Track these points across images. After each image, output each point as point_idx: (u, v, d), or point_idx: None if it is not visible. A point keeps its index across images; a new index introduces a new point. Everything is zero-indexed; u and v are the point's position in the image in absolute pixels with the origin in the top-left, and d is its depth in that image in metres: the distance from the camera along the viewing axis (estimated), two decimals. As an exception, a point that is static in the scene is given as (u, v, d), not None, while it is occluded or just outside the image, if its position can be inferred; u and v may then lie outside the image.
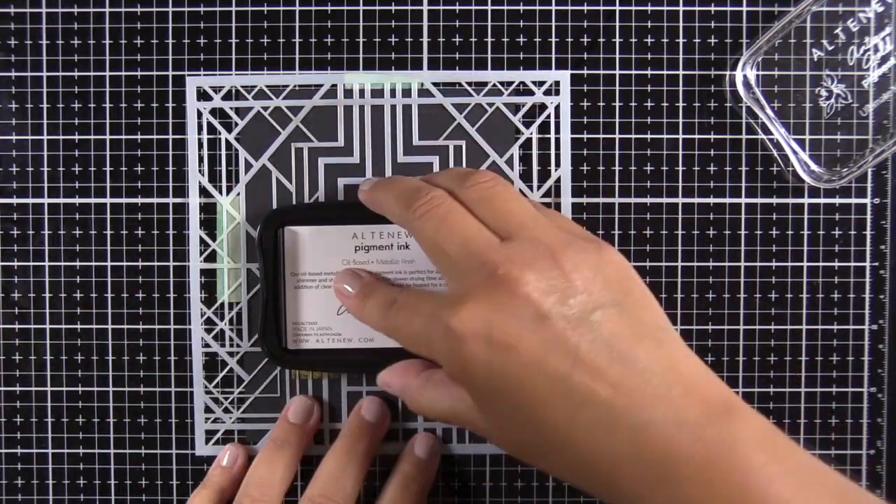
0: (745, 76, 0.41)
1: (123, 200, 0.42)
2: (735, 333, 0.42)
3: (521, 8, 0.41)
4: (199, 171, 0.42)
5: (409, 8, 0.42)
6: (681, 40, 0.42)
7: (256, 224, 0.41)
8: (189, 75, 0.42)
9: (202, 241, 0.42)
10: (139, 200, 0.42)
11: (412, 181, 0.36)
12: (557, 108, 0.41)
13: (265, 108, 0.41)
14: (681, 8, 0.41)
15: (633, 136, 0.42)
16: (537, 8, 0.41)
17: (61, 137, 0.42)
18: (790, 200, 0.42)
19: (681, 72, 0.42)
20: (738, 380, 0.42)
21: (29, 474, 0.42)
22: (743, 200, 0.42)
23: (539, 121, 0.41)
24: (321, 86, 0.41)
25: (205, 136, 0.42)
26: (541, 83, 0.41)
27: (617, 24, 0.42)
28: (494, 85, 0.41)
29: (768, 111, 0.41)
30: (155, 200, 0.42)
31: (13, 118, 0.42)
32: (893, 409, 0.42)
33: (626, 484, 0.29)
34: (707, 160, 0.42)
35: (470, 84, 0.41)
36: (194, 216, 0.42)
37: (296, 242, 0.40)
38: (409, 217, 0.34)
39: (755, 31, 0.41)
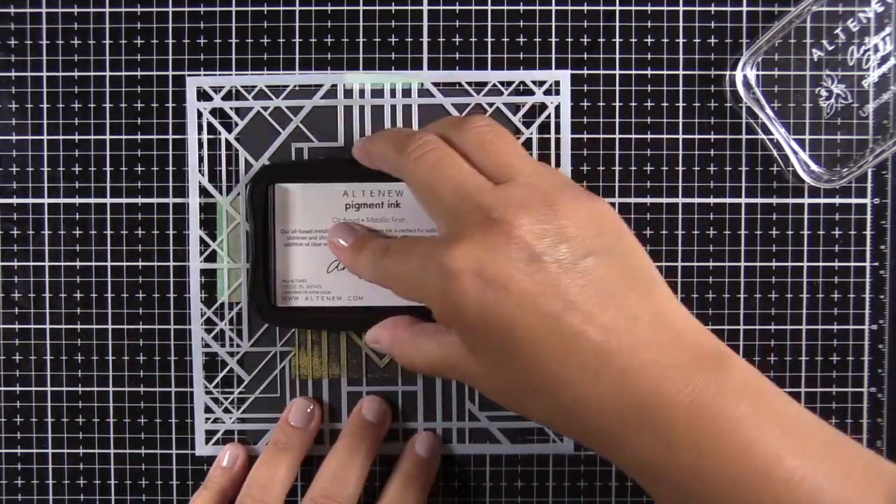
0: (745, 76, 0.41)
1: (123, 200, 0.42)
2: (735, 333, 0.42)
3: (521, 8, 0.41)
4: (200, 171, 0.42)
5: (409, 8, 0.42)
6: (681, 40, 0.42)
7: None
8: (189, 75, 0.42)
9: (202, 241, 0.42)
10: (139, 200, 0.42)
11: (402, 129, 0.37)
12: (557, 108, 0.41)
13: (265, 108, 0.41)
14: (681, 8, 0.41)
15: (633, 136, 0.42)
16: (537, 8, 0.41)
17: (61, 137, 0.42)
18: (790, 200, 0.42)
19: (681, 72, 0.42)
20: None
21: (29, 474, 0.42)
22: (743, 200, 0.42)
23: (539, 121, 0.41)
24: (321, 86, 0.41)
25: (205, 136, 0.42)
26: (541, 83, 0.41)
27: (617, 24, 0.42)
28: (494, 85, 0.41)
29: (768, 111, 0.41)
30: (155, 200, 0.42)
31: (13, 118, 0.42)
32: (893, 409, 0.42)
33: (613, 428, 0.29)
34: (707, 160, 0.42)
35: (470, 84, 0.41)
36: (194, 216, 0.42)
37: (286, 199, 0.40)
38: (402, 162, 0.34)
39: (755, 31, 0.41)
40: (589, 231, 0.30)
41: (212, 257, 0.42)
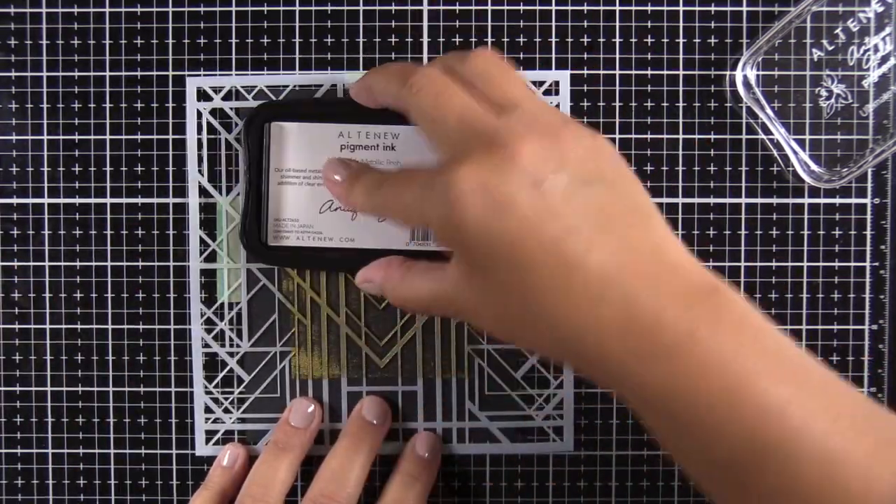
0: (745, 76, 0.41)
1: (123, 200, 0.42)
2: (735, 333, 0.42)
3: (521, 8, 0.41)
4: (199, 171, 0.42)
5: (409, 8, 0.42)
6: (681, 40, 0.42)
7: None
8: (189, 75, 0.42)
9: (202, 241, 0.42)
10: (139, 200, 0.42)
11: (405, 63, 0.36)
12: (557, 107, 0.41)
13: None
14: (681, 8, 0.41)
15: (633, 136, 0.42)
16: (537, 8, 0.41)
17: (61, 137, 0.42)
18: (790, 200, 0.42)
19: (681, 72, 0.42)
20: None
21: (29, 474, 0.42)
22: (743, 200, 0.42)
23: (539, 121, 0.41)
24: (321, 86, 0.41)
25: (204, 137, 0.42)
26: (540, 83, 0.41)
27: (617, 24, 0.42)
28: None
29: (768, 111, 0.41)
30: (155, 200, 0.42)
31: (13, 118, 0.42)
32: (893, 410, 0.42)
33: (612, 357, 0.29)
34: (707, 160, 0.42)
35: (470, 84, 0.41)
36: (194, 216, 0.42)
37: (282, 138, 0.40)
38: (405, 94, 0.34)
39: (755, 31, 0.41)
40: (590, 162, 0.30)
41: (212, 257, 0.42)
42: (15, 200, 0.42)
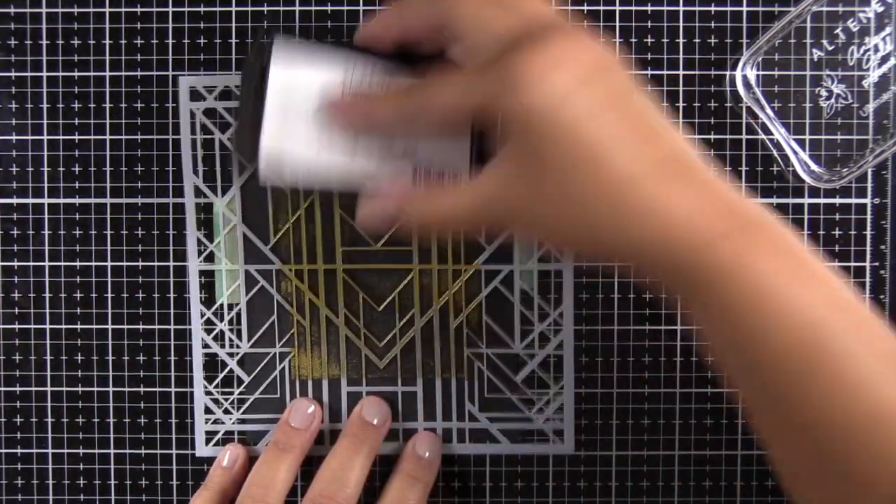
0: (745, 76, 0.41)
1: (123, 200, 0.42)
2: (735, 333, 0.42)
3: (521, 8, 0.41)
4: (195, 171, 0.41)
5: (409, 8, 0.42)
6: (681, 40, 0.42)
7: (253, 226, 0.41)
8: (182, 75, 0.41)
9: (200, 241, 0.42)
10: (139, 200, 0.42)
11: None
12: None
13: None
14: (681, 8, 0.41)
15: (633, 136, 0.42)
16: (537, 8, 0.41)
17: (61, 137, 0.42)
18: (790, 200, 0.42)
19: (681, 72, 0.42)
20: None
21: (29, 474, 0.42)
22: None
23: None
24: (321, 86, 0.41)
25: (199, 137, 0.41)
26: (541, 83, 0.41)
27: (617, 24, 0.41)
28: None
29: (768, 111, 0.41)
30: (155, 200, 0.42)
31: (13, 118, 0.42)
32: (893, 410, 0.42)
33: (679, 241, 0.29)
34: (707, 160, 0.42)
35: (470, 84, 0.41)
36: (190, 217, 0.42)
37: (285, 64, 0.35)
38: (445, 6, 0.32)
39: (755, 31, 0.41)
40: (627, 83, 0.31)
41: (211, 258, 0.42)
42: (15, 200, 0.42)
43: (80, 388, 0.42)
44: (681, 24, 0.42)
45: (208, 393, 0.42)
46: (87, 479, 0.42)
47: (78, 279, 0.42)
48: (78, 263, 0.42)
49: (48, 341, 0.42)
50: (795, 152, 0.41)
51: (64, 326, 0.42)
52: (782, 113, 0.41)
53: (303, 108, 0.35)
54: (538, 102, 0.29)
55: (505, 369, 0.42)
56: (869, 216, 0.42)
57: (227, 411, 0.42)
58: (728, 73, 0.41)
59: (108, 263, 0.42)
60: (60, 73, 0.42)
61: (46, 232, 0.42)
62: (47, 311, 0.42)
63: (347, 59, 0.35)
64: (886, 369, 0.28)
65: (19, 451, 0.42)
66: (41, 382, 0.42)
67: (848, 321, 0.28)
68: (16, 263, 0.42)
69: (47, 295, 0.42)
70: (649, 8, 0.41)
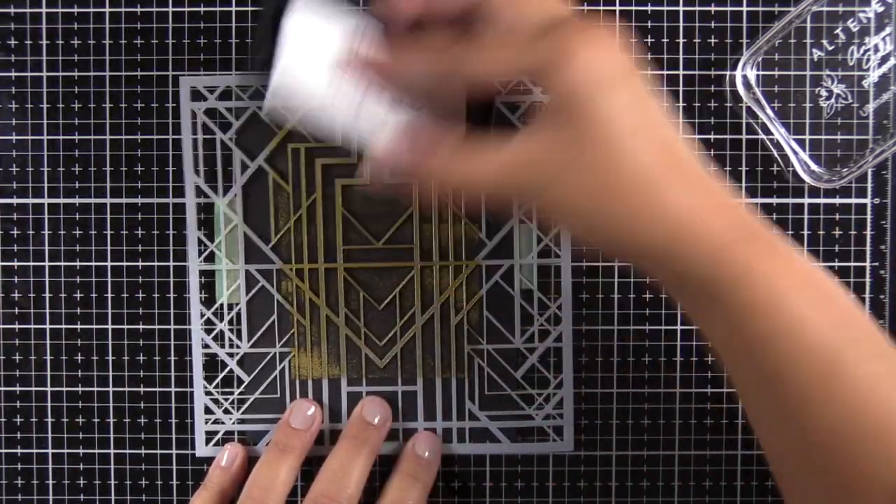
0: (745, 76, 0.41)
1: (123, 200, 0.42)
2: (735, 333, 0.42)
3: (521, 8, 0.41)
4: (196, 171, 0.42)
5: (409, 8, 0.41)
6: (681, 40, 0.42)
7: (255, 225, 0.41)
8: (183, 75, 0.41)
9: (200, 241, 0.42)
10: (139, 200, 0.42)
11: None
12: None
13: (261, 108, 0.41)
14: (681, 8, 0.41)
15: (632, 136, 0.42)
16: (537, 8, 0.41)
17: (61, 137, 0.42)
18: (790, 200, 0.42)
19: (681, 72, 0.42)
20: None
21: (29, 474, 0.42)
22: (743, 200, 0.42)
23: (539, 121, 0.41)
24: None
25: (200, 137, 0.41)
26: (540, 83, 0.41)
27: (617, 24, 0.41)
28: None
29: (768, 111, 0.41)
30: (155, 200, 0.42)
31: (13, 118, 0.42)
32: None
33: (703, 229, 0.30)
34: (707, 160, 0.42)
35: (469, 84, 0.41)
36: (191, 217, 0.42)
37: (301, 15, 0.34)
38: None
39: (755, 31, 0.41)
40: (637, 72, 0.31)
41: (211, 258, 0.42)
42: (15, 200, 0.42)
43: (80, 388, 0.42)
44: (681, 24, 0.42)
45: (208, 393, 0.42)
46: (87, 479, 0.42)
47: (78, 279, 0.42)
48: (78, 263, 0.42)
49: (48, 341, 0.42)
50: (795, 152, 0.41)
51: (64, 326, 0.42)
52: (782, 113, 0.41)
53: (319, 50, 0.34)
54: (589, 83, 0.29)
55: (505, 365, 0.42)
56: (869, 216, 0.42)
57: (227, 411, 0.42)
58: (728, 73, 0.41)
59: (108, 263, 0.42)
60: (60, 73, 0.42)
61: (46, 232, 0.42)
62: (47, 311, 0.42)
63: (365, 20, 0.34)
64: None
65: (19, 451, 0.42)
66: (41, 382, 0.42)
67: (856, 333, 0.29)
68: (16, 263, 0.42)
69: (47, 295, 0.42)
70: (649, 8, 0.41)
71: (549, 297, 0.42)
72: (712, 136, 0.42)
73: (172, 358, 0.42)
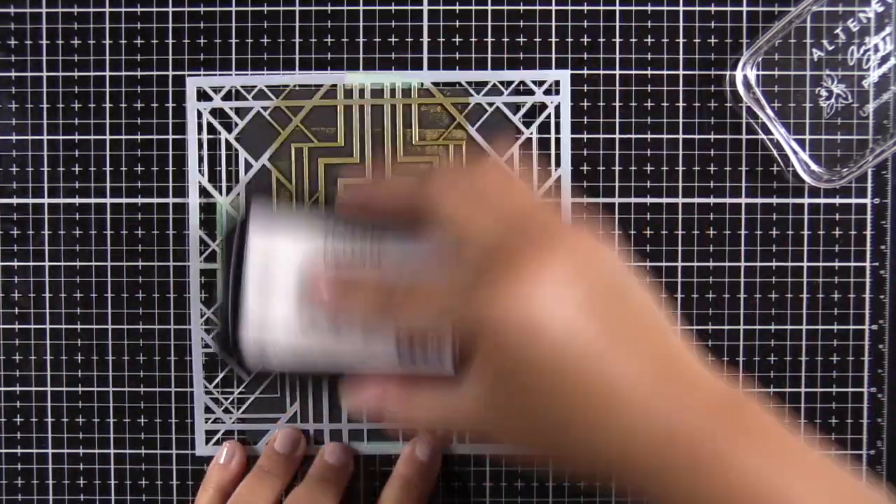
0: (745, 76, 0.41)
1: (123, 200, 0.42)
2: (735, 333, 0.42)
3: (521, 8, 0.41)
4: (199, 171, 0.42)
5: (409, 8, 0.42)
6: (681, 40, 0.42)
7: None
8: (189, 75, 0.42)
9: (202, 241, 0.42)
10: (139, 200, 0.42)
11: (407, 179, 0.36)
12: (557, 107, 0.41)
13: (265, 109, 0.41)
14: (681, 8, 0.41)
15: (633, 136, 0.42)
16: (537, 8, 0.41)
17: (61, 137, 0.42)
18: (790, 200, 0.42)
19: (681, 72, 0.42)
20: (739, 380, 0.42)
21: (29, 474, 0.42)
22: (743, 200, 0.42)
23: (539, 120, 0.41)
24: (321, 86, 0.41)
25: (205, 137, 0.42)
26: (541, 83, 0.41)
27: (617, 24, 0.42)
28: (494, 85, 0.41)
29: (768, 111, 0.41)
30: (155, 200, 0.42)
31: (13, 118, 0.42)
32: (893, 409, 0.42)
33: (644, 469, 0.29)
34: (707, 160, 0.42)
35: (470, 84, 0.41)
36: (194, 216, 0.42)
37: (263, 250, 0.36)
38: (430, 190, 0.33)
39: (755, 31, 0.41)
40: (607, 274, 0.30)
41: (211, 257, 0.42)
42: (15, 200, 0.42)
43: (80, 388, 0.42)
44: (681, 24, 0.42)
45: (208, 392, 0.42)
46: (87, 479, 0.42)
47: (78, 279, 0.42)
48: (78, 263, 0.42)
49: (48, 341, 0.42)
50: (795, 152, 0.41)
51: (64, 326, 0.42)
52: (782, 113, 0.41)
53: (284, 287, 0.35)
54: (511, 334, 0.29)
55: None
56: (869, 216, 0.42)
57: (227, 410, 0.42)
58: (728, 73, 0.41)
59: (108, 263, 0.42)
60: (60, 73, 0.42)
61: (46, 232, 0.42)
62: (47, 311, 0.42)
63: (326, 227, 0.36)
64: None
65: (19, 451, 0.42)
66: (41, 382, 0.42)
67: None
68: (16, 263, 0.42)
69: (47, 295, 0.42)
70: (649, 8, 0.41)
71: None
72: (712, 136, 0.42)
73: (172, 358, 0.42)
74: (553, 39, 0.42)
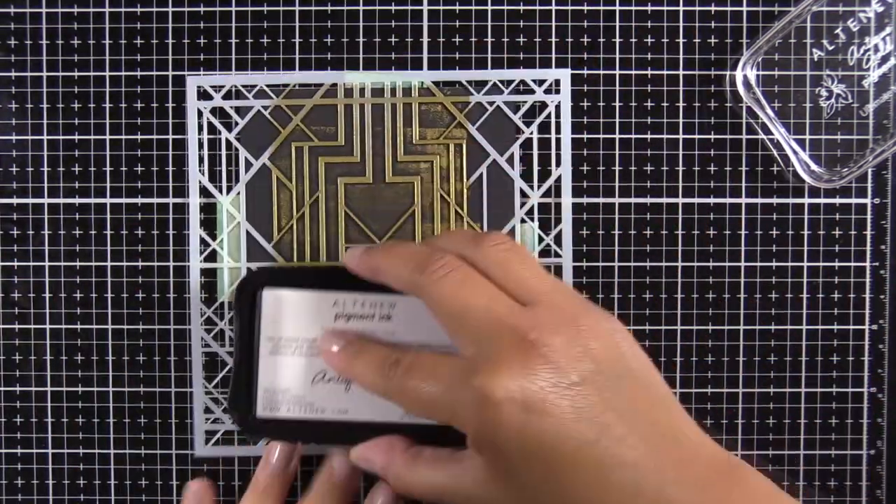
0: (745, 76, 0.41)
1: (123, 200, 0.42)
2: (735, 333, 0.42)
3: (521, 8, 0.41)
4: (200, 170, 0.42)
5: (409, 8, 0.42)
6: (681, 40, 0.42)
7: (257, 223, 0.41)
8: (189, 75, 0.42)
9: (202, 240, 0.42)
10: (139, 200, 0.42)
11: (416, 245, 0.36)
12: (558, 107, 0.42)
13: (265, 108, 0.42)
14: (681, 8, 0.42)
15: (633, 136, 0.42)
16: (537, 8, 0.41)
17: (61, 137, 0.42)
18: (790, 200, 0.42)
19: (681, 72, 0.42)
20: (739, 380, 0.42)
21: (29, 474, 0.42)
22: (743, 200, 0.42)
23: (539, 119, 0.41)
24: (321, 85, 0.41)
25: (205, 136, 0.42)
26: (541, 82, 0.41)
27: (617, 23, 0.42)
28: (495, 84, 0.41)
29: (768, 111, 0.41)
30: (155, 200, 0.42)
31: (13, 118, 0.42)
32: (893, 409, 0.42)
33: None
34: (707, 160, 0.42)
35: (470, 83, 0.42)
36: (194, 216, 0.42)
37: (274, 306, 0.38)
38: (421, 281, 0.33)
39: (755, 31, 0.42)
40: (614, 352, 0.31)
41: (211, 257, 0.42)
42: (15, 200, 0.42)
43: (80, 388, 0.42)
44: (681, 24, 0.42)
45: (208, 393, 0.42)
46: (87, 479, 0.42)
47: (78, 279, 0.42)
48: (78, 263, 0.42)
49: (48, 341, 0.42)
50: (795, 152, 0.41)
51: (64, 326, 0.42)
52: (782, 113, 0.41)
53: (296, 346, 0.38)
54: (501, 429, 0.30)
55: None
56: (869, 216, 0.42)
57: (226, 411, 0.42)
58: (728, 73, 0.41)
59: (108, 263, 0.42)
60: (60, 73, 0.42)
61: (46, 232, 0.42)
62: (47, 311, 0.42)
63: (338, 289, 0.38)
64: None
65: (19, 451, 0.42)
66: (41, 382, 0.42)
67: None
68: (16, 263, 0.42)
69: (47, 295, 0.42)
70: (649, 8, 0.42)
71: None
72: (712, 136, 0.42)
73: (172, 358, 0.42)
74: (553, 39, 0.42)
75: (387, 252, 0.36)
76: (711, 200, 0.42)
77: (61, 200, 0.42)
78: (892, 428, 0.42)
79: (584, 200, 0.42)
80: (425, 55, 0.42)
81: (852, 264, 0.42)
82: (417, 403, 0.33)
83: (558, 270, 0.42)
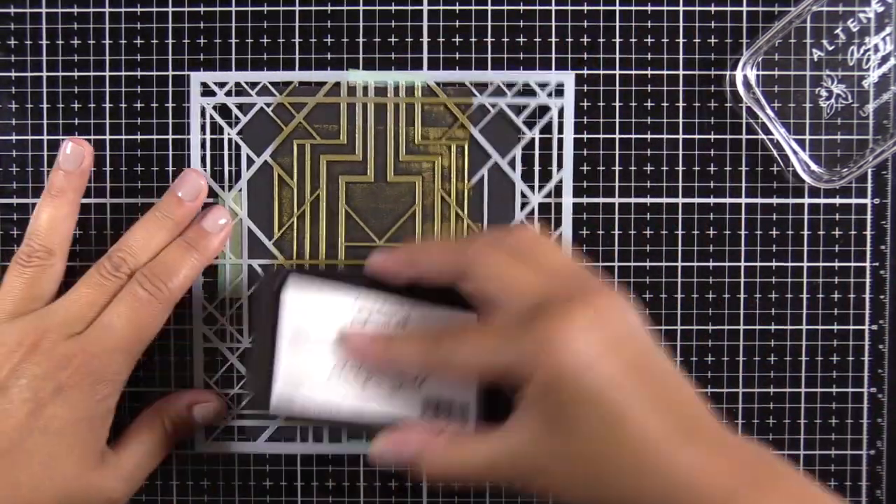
0: (745, 76, 0.41)
1: (123, 200, 0.42)
2: (735, 333, 0.42)
3: (521, 8, 0.42)
4: (202, 167, 0.42)
5: (409, 8, 0.42)
6: (681, 40, 0.42)
7: (258, 220, 0.41)
8: (193, 72, 0.42)
9: (203, 239, 0.42)
10: (139, 200, 0.42)
11: (452, 241, 0.38)
12: (561, 109, 0.42)
13: (268, 105, 0.42)
14: (681, 8, 0.42)
15: (633, 136, 0.42)
16: (537, 8, 0.42)
17: (61, 137, 0.42)
18: (790, 200, 0.42)
19: (681, 72, 0.42)
20: (739, 380, 0.42)
21: (28, 474, 0.42)
22: (743, 200, 0.42)
23: (542, 123, 0.42)
24: (324, 83, 0.41)
25: (207, 134, 0.42)
26: (544, 85, 0.41)
27: (617, 24, 0.42)
28: (497, 86, 0.41)
29: (768, 111, 0.41)
30: (155, 200, 0.42)
31: (13, 118, 0.42)
32: (893, 409, 0.42)
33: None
34: (707, 160, 0.42)
35: (473, 84, 0.42)
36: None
37: (296, 305, 0.38)
38: (464, 262, 0.34)
39: (755, 31, 0.42)
40: (645, 335, 0.33)
41: (212, 256, 0.42)
42: (15, 200, 0.42)
43: (79, 388, 0.42)
44: (681, 24, 0.42)
45: (209, 388, 0.42)
46: (87, 479, 0.42)
47: (78, 280, 0.42)
48: (78, 264, 0.42)
49: (48, 341, 0.42)
50: (795, 152, 0.41)
51: (63, 326, 0.42)
52: (782, 113, 0.41)
53: (315, 342, 0.37)
54: (568, 367, 0.30)
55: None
56: (869, 216, 0.42)
57: (227, 407, 0.42)
58: (728, 73, 0.42)
59: (108, 263, 0.42)
60: (60, 73, 0.42)
61: (46, 232, 0.42)
62: (47, 310, 0.42)
63: (358, 291, 0.38)
64: None
65: (18, 450, 0.42)
66: (40, 382, 0.42)
67: None
68: (15, 263, 0.42)
69: (47, 295, 0.42)
70: (649, 8, 0.42)
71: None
72: (712, 136, 0.42)
73: (172, 358, 0.42)
74: (553, 39, 0.42)
75: (423, 246, 0.38)
76: (711, 200, 0.42)
77: (61, 200, 0.42)
78: (892, 428, 0.42)
79: (585, 200, 0.42)
80: (425, 55, 0.42)
81: (852, 264, 0.42)
82: (474, 360, 0.33)
83: (559, 270, 0.42)
